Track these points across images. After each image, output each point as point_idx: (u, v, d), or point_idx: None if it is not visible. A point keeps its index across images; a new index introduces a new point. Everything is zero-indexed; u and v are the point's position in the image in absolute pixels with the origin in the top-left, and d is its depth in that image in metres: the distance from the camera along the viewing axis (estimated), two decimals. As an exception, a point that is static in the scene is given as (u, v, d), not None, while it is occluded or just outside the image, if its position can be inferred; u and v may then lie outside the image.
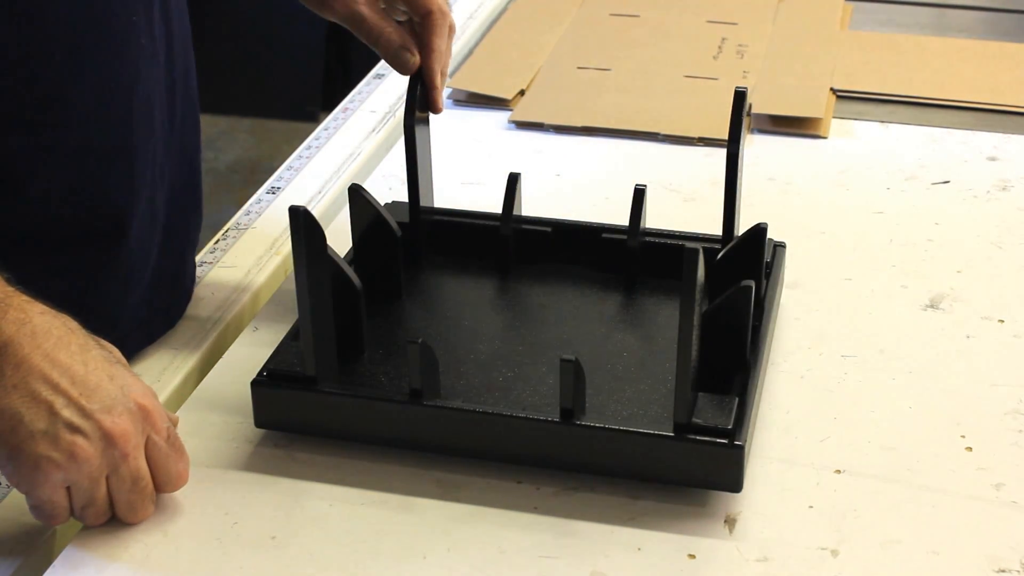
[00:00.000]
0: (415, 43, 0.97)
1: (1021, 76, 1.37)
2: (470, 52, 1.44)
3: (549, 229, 1.01)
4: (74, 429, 0.75)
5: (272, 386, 0.86)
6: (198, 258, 1.08)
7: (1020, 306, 1.01)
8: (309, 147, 1.25)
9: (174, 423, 0.82)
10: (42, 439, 0.75)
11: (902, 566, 0.78)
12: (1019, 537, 0.80)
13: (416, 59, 0.97)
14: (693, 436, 0.81)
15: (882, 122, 1.30)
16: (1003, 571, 0.77)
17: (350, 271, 0.89)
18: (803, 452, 0.86)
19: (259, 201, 1.17)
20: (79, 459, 0.75)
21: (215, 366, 0.96)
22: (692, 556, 0.79)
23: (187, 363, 0.97)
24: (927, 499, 0.83)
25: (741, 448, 0.80)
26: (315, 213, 1.02)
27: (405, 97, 0.98)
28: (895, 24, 1.53)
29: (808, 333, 0.98)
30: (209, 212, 1.09)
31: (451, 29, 0.99)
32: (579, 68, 1.39)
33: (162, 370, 0.96)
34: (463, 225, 1.02)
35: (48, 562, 0.79)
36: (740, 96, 0.94)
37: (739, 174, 0.96)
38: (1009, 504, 0.82)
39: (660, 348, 0.92)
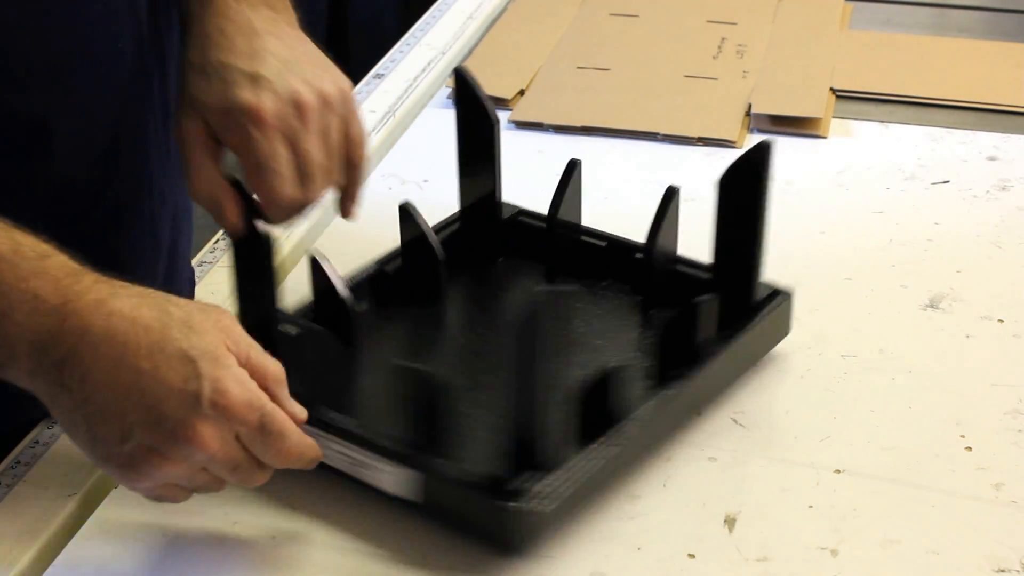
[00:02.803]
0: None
1: (1021, 76, 1.37)
2: (470, 52, 1.44)
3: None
4: (147, 444, 0.70)
5: None
6: (198, 258, 1.07)
7: (1020, 306, 1.01)
8: (309, 147, 1.25)
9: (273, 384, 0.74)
10: (119, 455, 0.71)
11: (902, 566, 0.78)
12: (1019, 537, 0.80)
13: (230, 228, 0.83)
14: (769, 308, 0.86)
15: (882, 122, 1.30)
16: (1003, 571, 0.77)
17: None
18: (803, 452, 0.86)
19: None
20: (159, 472, 0.71)
21: (215, 366, 0.96)
22: (692, 556, 0.79)
23: (187, 363, 0.97)
24: (927, 499, 0.83)
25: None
26: (314, 213, 1.03)
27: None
28: (895, 24, 1.53)
29: (808, 333, 0.98)
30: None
31: (300, 125, 0.81)
32: (579, 68, 1.39)
33: (162, 370, 0.95)
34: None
35: (48, 562, 0.79)
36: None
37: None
38: (1009, 504, 0.82)
39: None
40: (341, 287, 0.89)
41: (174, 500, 0.75)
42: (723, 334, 0.89)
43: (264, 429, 0.73)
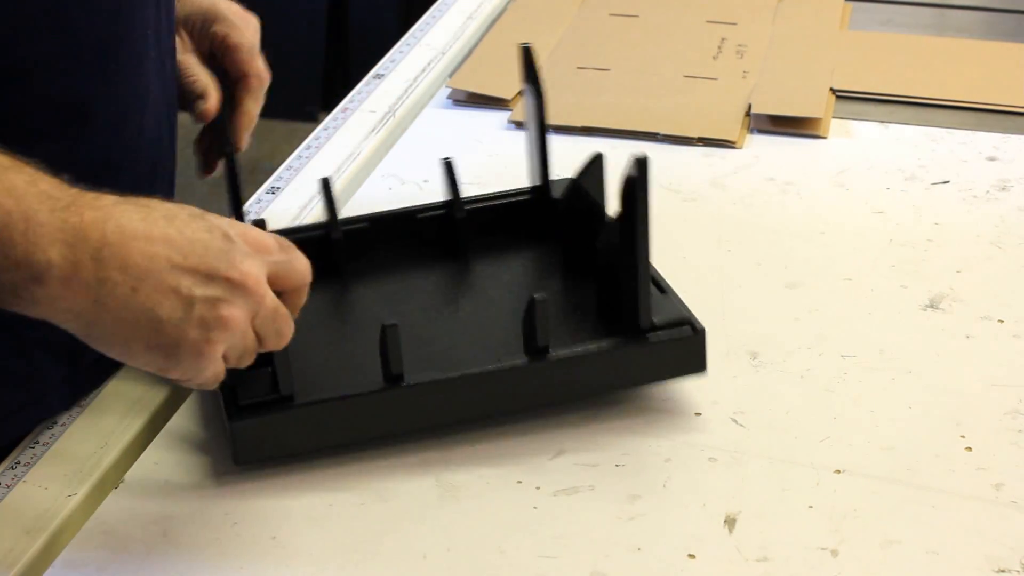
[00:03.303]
0: (227, 97, 0.99)
1: (1021, 76, 1.37)
2: (470, 52, 1.44)
3: (367, 224, 1.01)
4: (212, 301, 0.73)
5: (254, 416, 0.84)
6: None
7: (1020, 306, 1.01)
8: (309, 147, 1.25)
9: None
10: (189, 326, 0.73)
11: (902, 566, 0.78)
12: (1019, 537, 0.80)
13: (209, 107, 0.98)
14: (658, 335, 0.87)
15: (882, 122, 1.30)
16: (1003, 571, 0.77)
17: None
18: (803, 452, 0.86)
19: (259, 201, 1.17)
20: (231, 326, 0.74)
21: (215, 366, 0.96)
22: (692, 556, 0.79)
23: (187, 363, 0.97)
24: (927, 499, 0.83)
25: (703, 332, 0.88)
26: (315, 213, 1.03)
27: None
28: (895, 24, 1.53)
29: (808, 333, 0.98)
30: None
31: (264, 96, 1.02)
32: (579, 68, 1.39)
33: (162, 370, 0.95)
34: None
35: (48, 562, 0.79)
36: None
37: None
38: (1009, 504, 0.82)
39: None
40: (332, 212, 1.00)
41: (219, 380, 0.77)
42: (574, 342, 0.88)
43: (283, 246, 0.78)
